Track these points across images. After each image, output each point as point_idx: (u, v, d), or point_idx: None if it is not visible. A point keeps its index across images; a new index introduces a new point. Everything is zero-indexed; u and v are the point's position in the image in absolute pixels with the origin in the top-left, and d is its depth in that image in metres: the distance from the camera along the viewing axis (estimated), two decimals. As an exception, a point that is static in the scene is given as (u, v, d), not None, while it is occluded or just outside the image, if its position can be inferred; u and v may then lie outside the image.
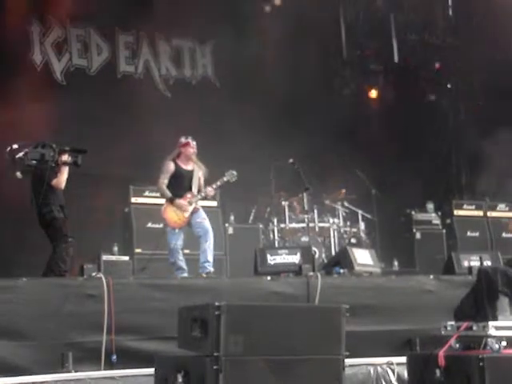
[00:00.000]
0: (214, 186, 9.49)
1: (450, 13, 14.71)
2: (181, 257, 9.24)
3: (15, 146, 8.02)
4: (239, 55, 12.86)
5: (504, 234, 12.38)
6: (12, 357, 6.54)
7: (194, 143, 9.48)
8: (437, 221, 12.41)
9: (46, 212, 8.18)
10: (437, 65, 14.78)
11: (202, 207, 9.55)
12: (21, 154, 8.00)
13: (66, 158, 8.22)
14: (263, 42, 13.00)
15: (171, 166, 9.38)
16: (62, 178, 8.27)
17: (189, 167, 9.46)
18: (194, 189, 9.39)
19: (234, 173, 9.55)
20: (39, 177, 8.17)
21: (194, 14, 12.70)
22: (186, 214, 9.26)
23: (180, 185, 9.37)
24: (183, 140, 9.48)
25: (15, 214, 9.93)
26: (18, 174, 8.18)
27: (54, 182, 8.21)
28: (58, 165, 8.17)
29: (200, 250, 9.20)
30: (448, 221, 12.38)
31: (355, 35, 14.44)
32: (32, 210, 8.23)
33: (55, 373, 6.44)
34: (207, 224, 9.28)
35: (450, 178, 14.76)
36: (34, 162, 8.04)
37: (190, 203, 9.29)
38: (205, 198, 9.57)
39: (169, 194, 9.31)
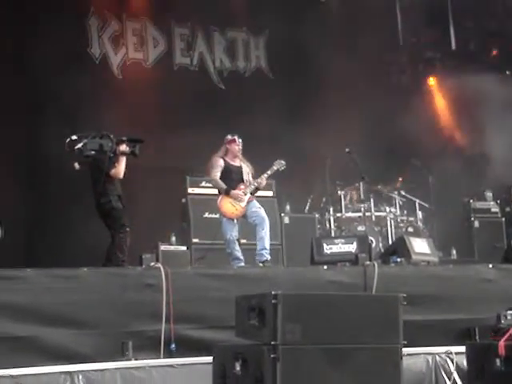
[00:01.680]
0: (266, 176, 9.54)
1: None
2: (237, 247, 9.30)
3: (74, 137, 8.14)
4: (293, 46, 12.84)
5: None
6: (74, 345, 6.67)
7: (240, 141, 9.55)
8: (496, 209, 12.24)
9: (105, 202, 8.30)
10: (494, 51, 14.51)
11: (258, 197, 9.61)
12: (80, 145, 8.12)
13: (123, 148, 8.33)
14: (317, 32, 12.93)
15: (220, 162, 9.49)
16: (120, 168, 8.38)
17: (236, 163, 9.57)
18: (246, 181, 9.47)
19: (283, 162, 9.60)
20: (97, 167, 8.30)
21: (247, 5, 12.74)
22: (243, 204, 9.32)
23: (231, 179, 9.46)
24: (229, 137, 9.57)
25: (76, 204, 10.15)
26: (76, 164, 8.31)
27: (113, 172, 8.33)
28: (116, 155, 8.28)
29: (257, 237, 9.26)
30: (507, 209, 12.21)
31: (412, 22, 14.27)
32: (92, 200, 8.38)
33: (116, 361, 6.55)
34: (263, 212, 9.34)
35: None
36: (93, 152, 8.15)
37: (245, 193, 9.36)
38: (257, 189, 9.61)
39: (224, 185, 9.38)
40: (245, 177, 9.53)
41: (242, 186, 9.42)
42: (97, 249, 8.53)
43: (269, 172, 9.59)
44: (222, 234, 9.40)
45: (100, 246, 8.40)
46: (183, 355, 6.79)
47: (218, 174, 9.46)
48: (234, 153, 9.55)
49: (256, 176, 9.62)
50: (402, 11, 14.32)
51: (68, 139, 8.14)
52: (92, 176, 8.41)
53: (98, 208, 8.37)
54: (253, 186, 9.46)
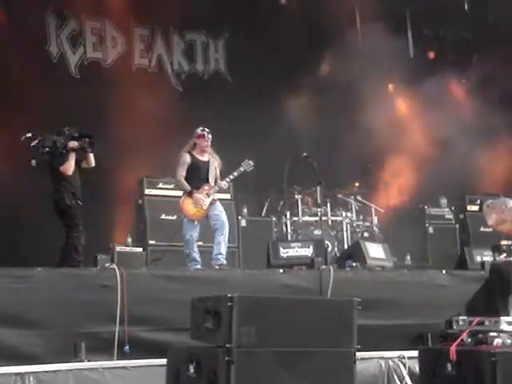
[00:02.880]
0: (231, 177, 9.52)
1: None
2: (195, 248, 9.27)
3: (29, 135, 8.09)
4: (252, 49, 12.86)
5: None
6: (25, 345, 6.61)
7: (210, 136, 9.50)
8: (450, 215, 12.38)
9: (59, 199, 8.28)
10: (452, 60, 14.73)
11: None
12: (35, 142, 8.08)
13: (73, 144, 8.31)
14: (277, 35, 12.97)
15: (187, 158, 9.41)
16: (68, 164, 8.32)
17: (204, 158, 9.48)
18: (211, 180, 9.42)
19: (251, 162, 9.57)
20: (52, 164, 8.26)
21: (207, 7, 12.71)
22: (205, 207, 9.28)
23: (197, 176, 9.40)
24: (199, 131, 9.50)
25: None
26: (33, 161, 8.26)
27: (62, 168, 8.29)
28: (67, 151, 8.25)
29: (214, 242, 9.24)
30: (461, 216, 12.35)
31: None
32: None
33: (68, 362, 6.49)
34: (224, 217, 9.31)
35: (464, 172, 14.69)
36: (47, 149, 8.13)
37: (208, 195, 9.32)
38: (222, 189, 9.59)
39: (187, 187, 9.32)
40: (211, 173, 9.44)
41: (206, 187, 9.34)
42: (53, 248, 8.45)
43: (235, 173, 9.56)
44: (182, 234, 9.35)
45: (57, 244, 8.32)
46: (137, 357, 6.76)
47: (184, 174, 9.38)
48: (202, 148, 9.46)
49: (223, 171, 9.56)
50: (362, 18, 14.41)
51: (24, 136, 8.08)
52: (48, 173, 8.36)
53: (53, 205, 8.32)
54: (217, 188, 9.42)
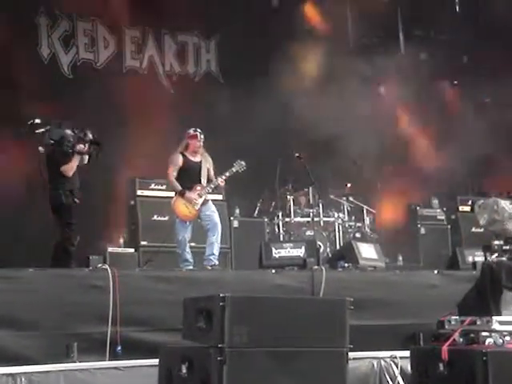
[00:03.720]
0: (224, 177, 9.52)
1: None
2: (187, 249, 9.28)
3: (37, 121, 8.04)
4: (244, 50, 12.86)
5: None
6: (17, 346, 6.59)
7: (202, 136, 9.51)
8: (441, 216, 12.42)
9: (55, 196, 8.20)
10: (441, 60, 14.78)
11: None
12: (42, 130, 8.02)
13: (81, 148, 8.25)
14: (269, 36, 12.99)
15: (179, 159, 9.42)
16: (71, 166, 8.26)
17: (197, 159, 9.50)
18: (203, 180, 9.43)
19: (243, 163, 9.58)
20: (52, 158, 8.20)
21: (199, 8, 12.71)
22: (197, 207, 9.30)
23: (189, 177, 9.41)
24: (191, 132, 9.53)
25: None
26: (41, 148, 8.20)
27: (63, 167, 8.22)
28: (73, 152, 8.19)
29: (207, 242, 9.25)
30: (453, 216, 12.38)
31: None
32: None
33: (60, 363, 6.48)
34: (216, 217, 9.32)
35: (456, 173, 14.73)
36: (52, 142, 8.09)
37: (200, 195, 9.33)
38: (215, 189, 9.59)
39: (179, 187, 9.34)
40: (203, 173, 9.45)
41: (198, 188, 9.36)
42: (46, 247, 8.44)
43: (227, 173, 9.57)
44: (174, 235, 9.36)
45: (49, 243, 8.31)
46: (129, 358, 6.75)
47: (175, 174, 9.40)
48: (194, 148, 9.48)
49: (215, 172, 9.56)
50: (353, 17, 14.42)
51: (31, 121, 8.03)
52: (47, 165, 8.29)
53: (49, 200, 8.26)
54: (209, 188, 9.43)
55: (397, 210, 12.77)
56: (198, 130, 9.51)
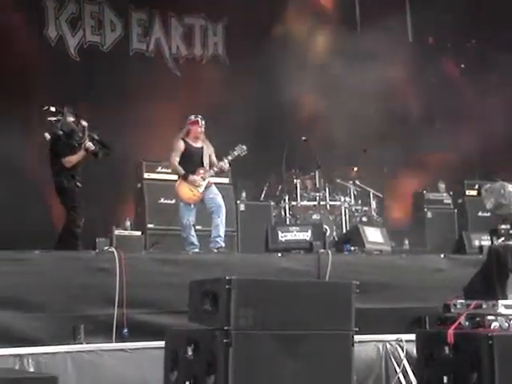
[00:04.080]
0: (227, 161, 9.52)
1: None
2: (193, 232, 9.29)
3: (52, 109, 8.11)
4: (251, 33, 12.82)
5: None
6: (24, 328, 6.61)
7: (203, 122, 9.52)
8: (448, 200, 12.41)
9: (57, 181, 8.33)
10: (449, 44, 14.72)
11: (214, 184, 9.60)
12: (53, 119, 8.09)
13: (90, 146, 8.33)
14: (277, 20, 12.94)
15: (181, 144, 9.44)
16: (73, 159, 8.37)
17: (198, 145, 9.52)
18: (206, 165, 9.44)
19: (244, 147, 9.59)
20: (56, 146, 8.26)
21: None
22: (201, 189, 9.31)
23: (191, 162, 9.42)
24: (192, 118, 9.54)
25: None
26: (46, 135, 8.29)
27: (65, 159, 8.30)
28: (79, 145, 8.27)
29: (212, 225, 9.26)
30: (459, 200, 12.36)
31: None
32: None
33: (67, 344, 6.51)
34: (220, 199, 9.33)
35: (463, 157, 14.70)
36: (61, 133, 8.16)
37: (204, 178, 9.34)
38: (220, 172, 9.60)
39: (182, 170, 9.35)
40: (205, 159, 9.48)
41: (202, 171, 9.38)
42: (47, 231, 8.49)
43: (229, 157, 9.58)
44: (179, 219, 9.37)
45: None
46: (136, 340, 6.77)
47: (177, 159, 9.41)
48: (195, 134, 9.50)
49: (218, 158, 9.58)
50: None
51: (46, 107, 8.09)
52: (51, 150, 8.36)
53: (54, 185, 8.38)
54: (212, 171, 9.44)
55: (403, 194, 12.75)
56: (199, 116, 9.53)
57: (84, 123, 8.51)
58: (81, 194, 8.41)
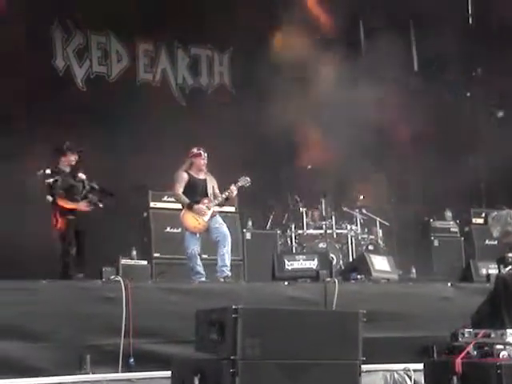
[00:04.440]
0: (235, 187, 9.53)
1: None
2: (199, 262, 9.28)
3: (48, 172, 8.19)
4: (257, 63, 12.89)
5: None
6: (30, 358, 6.61)
7: (206, 154, 9.55)
8: (455, 229, 12.36)
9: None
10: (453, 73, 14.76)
11: (220, 212, 9.60)
12: (50, 180, 8.16)
13: (94, 198, 8.44)
14: (282, 50, 13.00)
15: (185, 176, 9.47)
16: (67, 206, 8.39)
17: (201, 176, 9.55)
18: (210, 195, 9.46)
19: (248, 178, 9.62)
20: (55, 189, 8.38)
21: (213, 22, 12.75)
22: (206, 218, 9.30)
23: (195, 192, 9.44)
24: (195, 151, 9.56)
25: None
26: (49, 197, 8.34)
27: (60, 201, 8.36)
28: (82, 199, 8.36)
29: (218, 254, 9.24)
30: (466, 229, 12.33)
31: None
32: None
33: (73, 374, 6.49)
34: (225, 229, 9.33)
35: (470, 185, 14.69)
36: (61, 192, 8.24)
37: (208, 208, 9.35)
38: (226, 200, 9.59)
39: (186, 200, 9.36)
40: (209, 190, 9.52)
41: (206, 200, 9.39)
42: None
43: (239, 184, 9.59)
44: (184, 248, 9.37)
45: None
46: (142, 370, 6.76)
47: (181, 189, 9.44)
48: (198, 166, 9.53)
49: (221, 189, 9.60)
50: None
51: (41, 171, 8.18)
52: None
53: None
54: (216, 201, 9.44)
55: (410, 223, 12.72)
56: (202, 149, 9.57)
57: (82, 176, 8.59)
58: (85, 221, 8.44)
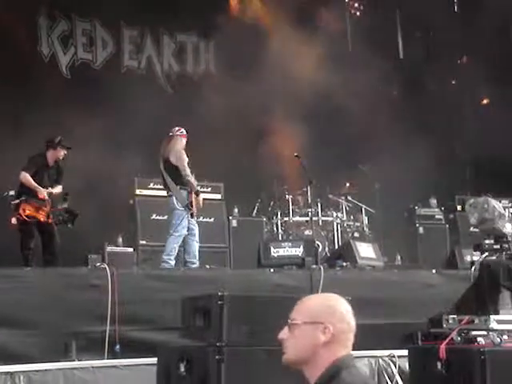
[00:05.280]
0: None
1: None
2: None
3: (11, 193, 8.18)
4: (242, 49, 12.87)
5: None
6: (16, 345, 6.61)
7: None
8: (440, 216, 12.42)
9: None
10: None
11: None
12: (16, 202, 8.13)
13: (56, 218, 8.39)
14: (269, 36, 12.99)
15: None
16: (31, 214, 8.35)
17: None
18: None
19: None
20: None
21: (198, 8, 12.71)
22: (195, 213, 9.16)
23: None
24: (184, 131, 9.41)
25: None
26: (14, 219, 8.28)
27: (13, 221, 8.31)
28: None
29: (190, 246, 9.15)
30: (451, 216, 12.38)
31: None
32: None
33: (59, 361, 6.49)
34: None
35: (454, 172, 14.75)
36: (28, 211, 8.19)
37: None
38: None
39: (196, 187, 9.16)
40: None
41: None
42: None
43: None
44: (181, 227, 9.10)
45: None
46: (128, 356, 6.76)
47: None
48: (184, 146, 9.41)
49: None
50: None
51: (6, 193, 8.14)
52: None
53: None
54: None
55: (395, 210, 12.76)
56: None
57: (46, 198, 8.47)
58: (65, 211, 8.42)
